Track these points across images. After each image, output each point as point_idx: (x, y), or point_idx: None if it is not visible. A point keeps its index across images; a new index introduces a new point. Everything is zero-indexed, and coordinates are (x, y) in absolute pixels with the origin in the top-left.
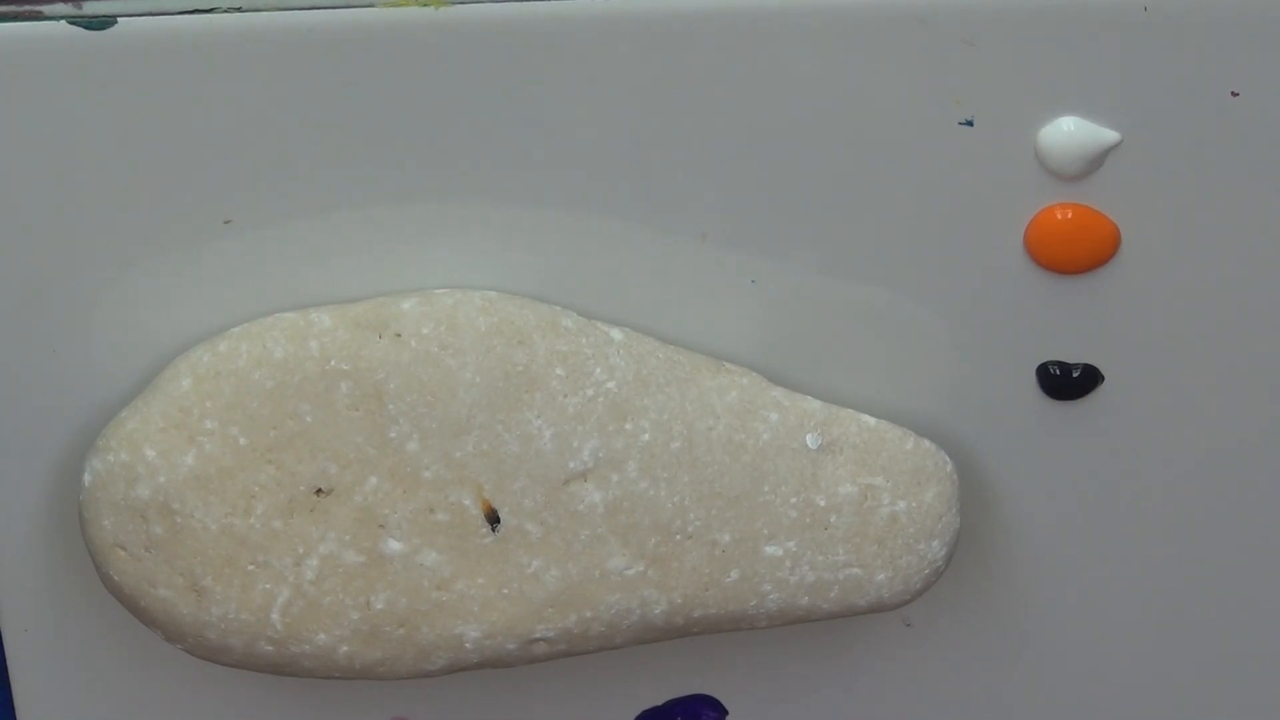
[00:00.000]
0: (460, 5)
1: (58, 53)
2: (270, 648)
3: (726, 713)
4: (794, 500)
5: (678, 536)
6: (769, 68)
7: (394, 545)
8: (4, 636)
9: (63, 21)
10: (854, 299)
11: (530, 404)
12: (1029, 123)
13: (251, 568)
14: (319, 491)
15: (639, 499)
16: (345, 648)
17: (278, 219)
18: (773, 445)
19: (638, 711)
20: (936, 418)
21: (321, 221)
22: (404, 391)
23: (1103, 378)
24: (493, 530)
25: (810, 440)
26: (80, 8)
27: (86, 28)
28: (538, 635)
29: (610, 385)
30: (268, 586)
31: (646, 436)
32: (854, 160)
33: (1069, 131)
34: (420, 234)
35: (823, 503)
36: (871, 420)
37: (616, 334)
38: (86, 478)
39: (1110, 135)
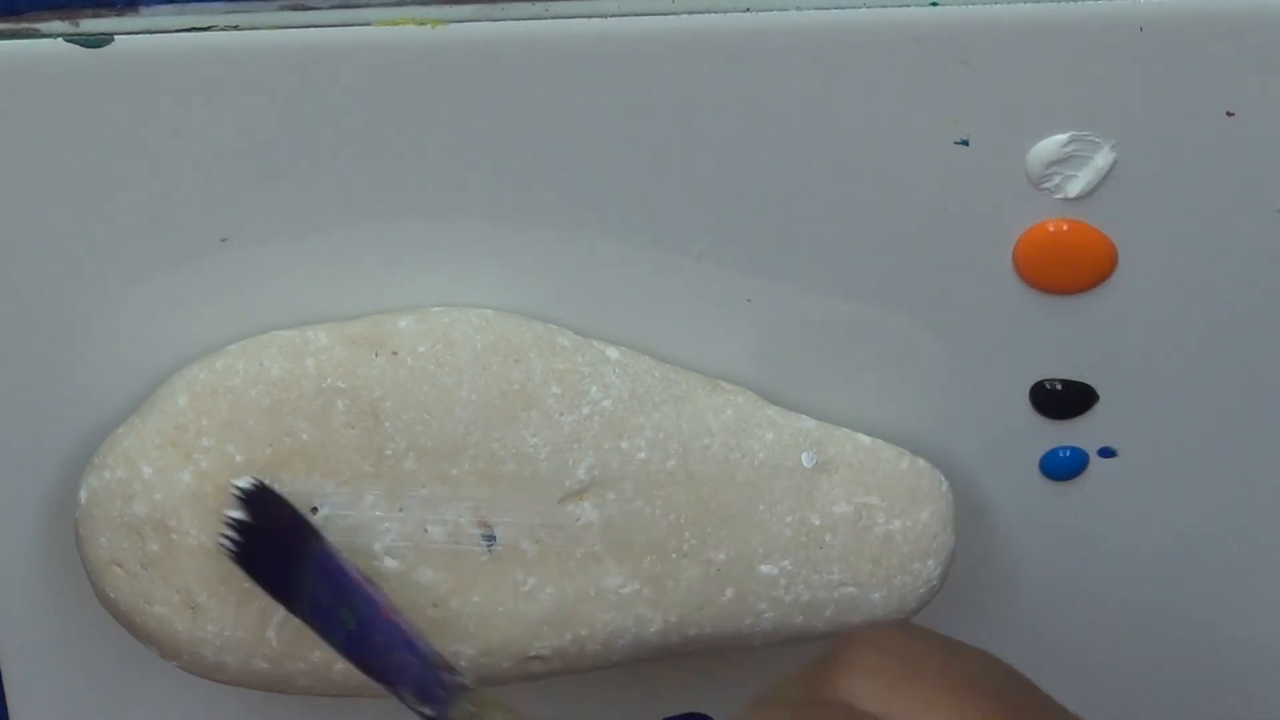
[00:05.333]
0: (456, 25)
1: (54, 70)
2: (265, 665)
3: None
4: (789, 519)
5: (673, 555)
6: (766, 87)
7: (390, 563)
8: (1, 651)
9: (59, 39)
10: (850, 318)
11: (526, 422)
12: (1025, 142)
13: (247, 585)
14: (315, 509)
15: (634, 517)
16: (340, 665)
17: (274, 237)
18: (768, 464)
19: None
20: (932, 437)
21: (318, 239)
22: (400, 409)
23: (1097, 396)
24: (488, 548)
25: (805, 459)
26: (77, 25)
27: (83, 45)
28: (533, 653)
29: (606, 404)
30: (263, 604)
31: (642, 455)
32: (850, 180)
33: (1065, 151)
34: (417, 252)
35: (818, 521)
36: (867, 439)
37: (612, 352)
38: (83, 495)
39: (1106, 155)
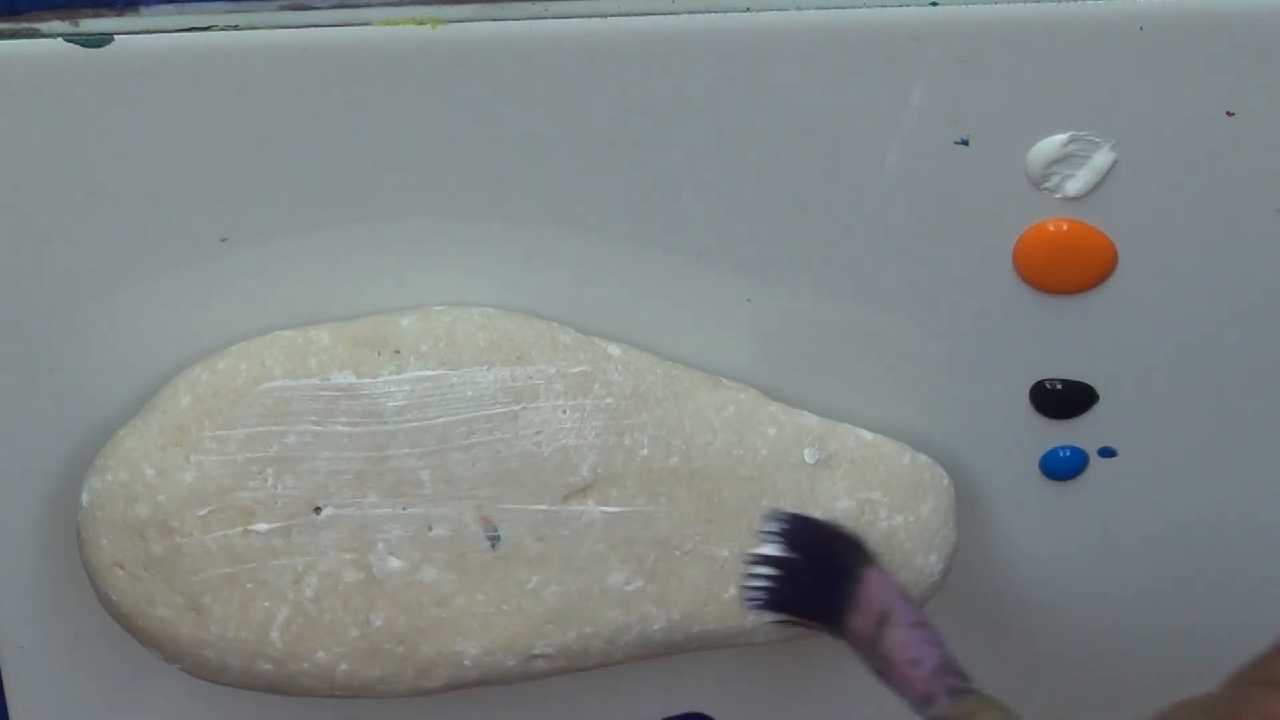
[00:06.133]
0: (456, 25)
1: (54, 70)
2: (269, 666)
3: None
4: None
5: (676, 552)
6: (766, 87)
7: (393, 562)
8: (1, 655)
9: (59, 39)
10: (851, 319)
11: (529, 420)
12: (1024, 142)
13: (250, 586)
14: (318, 509)
15: (638, 515)
16: (345, 665)
17: (275, 237)
18: (771, 460)
19: None
20: (933, 434)
21: (319, 239)
22: (403, 409)
23: (1097, 396)
24: (492, 547)
25: (808, 455)
26: (77, 25)
27: (83, 45)
28: (537, 652)
29: (609, 401)
30: (266, 605)
31: (645, 452)
32: (849, 179)
33: (1065, 151)
34: (418, 251)
35: (820, 517)
36: (869, 435)
37: (614, 350)
38: (85, 497)
39: (1106, 155)
